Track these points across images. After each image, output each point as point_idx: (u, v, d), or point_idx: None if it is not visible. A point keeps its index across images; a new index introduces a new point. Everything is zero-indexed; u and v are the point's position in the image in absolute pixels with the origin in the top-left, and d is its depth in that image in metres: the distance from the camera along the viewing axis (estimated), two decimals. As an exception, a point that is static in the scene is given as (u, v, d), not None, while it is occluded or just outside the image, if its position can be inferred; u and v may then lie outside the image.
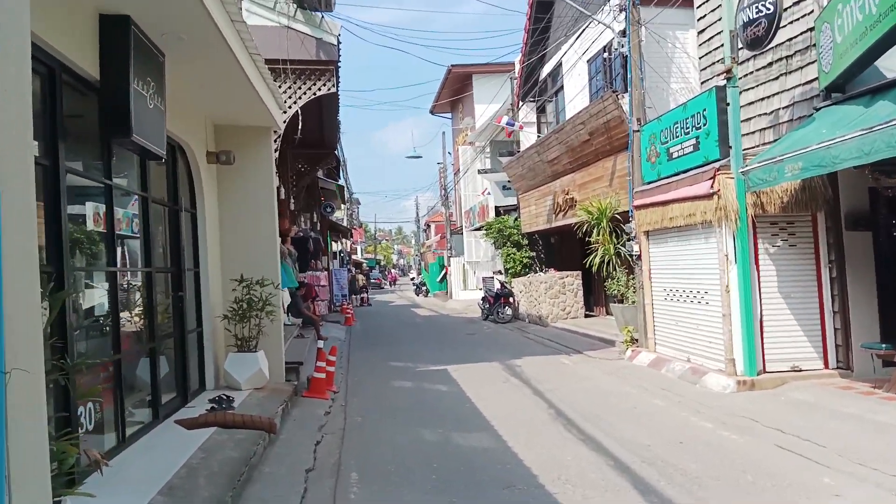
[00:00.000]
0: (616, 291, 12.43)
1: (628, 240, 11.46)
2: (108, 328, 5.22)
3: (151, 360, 6.02)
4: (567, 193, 15.23)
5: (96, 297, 5.12)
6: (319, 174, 19.41)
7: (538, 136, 18.12)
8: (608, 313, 16.88)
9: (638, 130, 10.65)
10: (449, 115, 36.85)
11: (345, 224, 33.87)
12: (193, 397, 7.17)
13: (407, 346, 13.76)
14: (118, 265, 5.81)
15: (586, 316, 16.62)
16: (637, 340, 11.46)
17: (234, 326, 7.65)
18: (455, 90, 32.21)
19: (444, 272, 36.76)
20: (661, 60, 11.95)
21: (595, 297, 17.50)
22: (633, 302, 11.90)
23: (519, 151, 18.90)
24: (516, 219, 19.75)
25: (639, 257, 10.88)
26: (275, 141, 9.22)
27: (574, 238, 18.72)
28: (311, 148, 15.67)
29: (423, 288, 40.76)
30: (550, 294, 16.27)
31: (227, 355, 7.65)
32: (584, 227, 12.81)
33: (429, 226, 62.02)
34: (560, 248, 19.34)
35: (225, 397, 6.88)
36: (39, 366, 2.14)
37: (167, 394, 6.63)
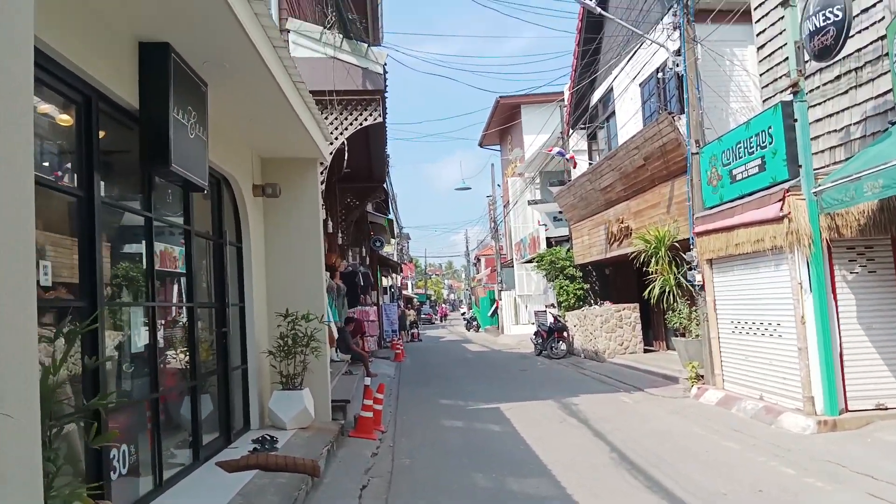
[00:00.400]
0: (677, 324, 11.77)
1: (689, 269, 10.86)
2: (147, 366, 5.03)
3: (192, 399, 5.81)
4: (622, 222, 14.69)
5: (135, 334, 4.94)
6: (368, 208, 19.39)
7: (590, 164, 17.70)
8: (668, 347, 16.12)
9: (697, 153, 10.14)
10: (497, 146, 36.76)
11: (395, 259, 33.85)
12: (237, 437, 6.92)
13: (458, 384, 13.33)
14: (163, 299, 5.67)
15: (645, 350, 15.88)
16: (702, 377, 10.78)
17: (278, 363, 7.43)
18: (503, 121, 32.13)
19: (495, 306, 36.22)
20: (718, 79, 11.45)
21: (654, 330, 16.74)
22: (697, 335, 11.23)
23: (570, 180, 18.48)
24: (568, 250, 19.23)
25: (702, 287, 10.26)
26: (321, 173, 9.10)
27: (630, 268, 18.09)
28: (360, 181, 15.63)
29: (474, 323, 40.24)
30: (607, 328, 15.63)
31: (272, 393, 7.41)
32: (642, 257, 12.24)
33: (479, 259, 61.68)
34: (615, 280, 18.69)
35: (268, 437, 6.61)
36: (32, 410, 1.87)
37: (209, 434, 6.40)
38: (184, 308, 5.92)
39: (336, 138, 9.49)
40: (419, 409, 10.29)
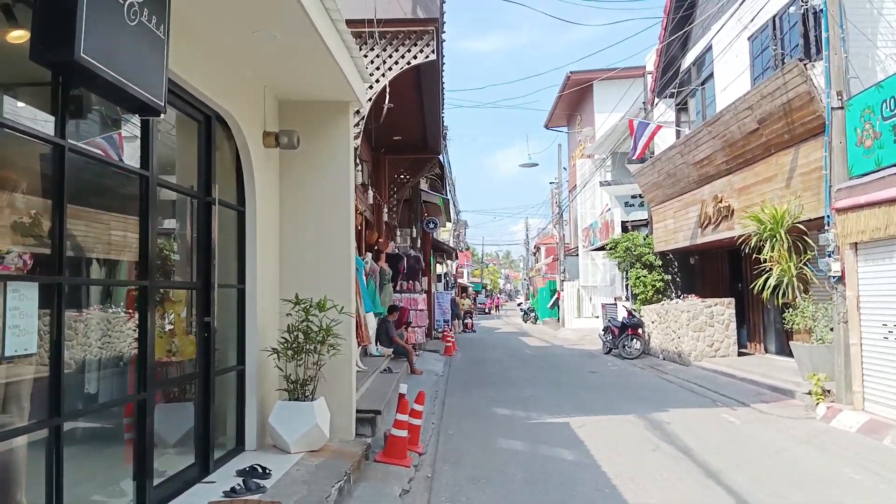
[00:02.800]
0: (798, 325, 9.43)
1: (817, 257, 8.53)
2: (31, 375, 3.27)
3: (140, 417, 4.03)
4: (720, 201, 12.32)
5: (14, 326, 3.16)
6: (422, 185, 17.55)
7: (677, 138, 15.30)
8: (767, 351, 13.70)
9: (840, 107, 7.80)
10: (565, 128, 34.33)
11: (450, 245, 31.99)
12: (222, 463, 5.16)
13: (516, 387, 11.33)
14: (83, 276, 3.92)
15: (739, 354, 13.49)
16: (829, 392, 8.49)
17: (284, 364, 5.63)
18: (573, 100, 29.76)
19: (555, 298, 33.93)
20: (863, 18, 8.99)
21: (749, 330, 14.31)
22: (824, 340, 8.89)
23: (653, 156, 16.14)
24: (647, 236, 16.89)
25: (839, 279, 7.95)
26: (356, 124, 7.22)
27: (721, 258, 15.65)
28: (411, 152, 13.78)
29: (532, 314, 38.04)
30: (694, 326, 13.31)
31: (276, 404, 5.61)
32: (752, 242, 9.93)
33: (538, 248, 59.22)
34: (702, 270, 16.26)
35: (258, 469, 4.82)
36: None
37: (177, 461, 4.67)
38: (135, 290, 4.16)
39: (377, 80, 7.58)
40: (469, 421, 8.36)
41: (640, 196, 21.68)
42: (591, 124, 27.71)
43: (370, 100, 7.38)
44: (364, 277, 9.50)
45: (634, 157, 13.48)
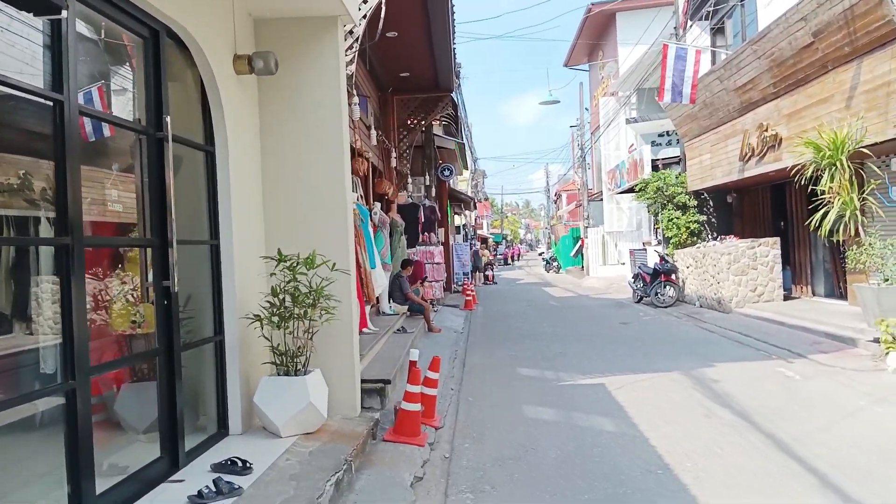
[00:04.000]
0: (863, 264, 8.33)
1: (892, 183, 7.38)
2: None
3: (69, 414, 3.16)
4: (766, 130, 11.09)
5: None
6: (436, 130, 16.41)
7: (712, 64, 13.91)
8: (814, 294, 12.62)
9: (925, 4, 6.52)
10: (586, 66, 32.64)
11: (468, 195, 30.87)
12: (203, 450, 4.34)
13: (542, 342, 10.43)
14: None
15: (785, 298, 12.42)
16: (902, 342, 7.45)
17: (270, 333, 4.74)
18: (594, 34, 28.09)
19: (578, 245, 32.86)
20: None
21: (795, 272, 13.21)
22: (892, 281, 7.82)
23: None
24: (679, 174, 15.66)
25: (919, 213, 6.82)
26: (350, 47, 6.14)
27: (761, 195, 14.44)
28: (421, 90, 12.63)
29: (555, 263, 37.05)
30: (735, 269, 12.23)
31: (262, 380, 4.74)
32: (808, 172, 8.76)
33: (559, 195, 57.83)
34: (741, 209, 15.07)
35: (237, 464, 3.96)
36: None
37: (144, 453, 3.85)
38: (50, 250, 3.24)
39: (370, -5, 6.46)
40: (492, 385, 7.48)
41: (670, 133, 20.34)
42: (614, 59, 26.13)
43: (365, 17, 6.28)
44: (371, 229, 8.54)
45: (684, 102, 12.14)
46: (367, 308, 8.24)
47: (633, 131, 21.58)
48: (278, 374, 4.73)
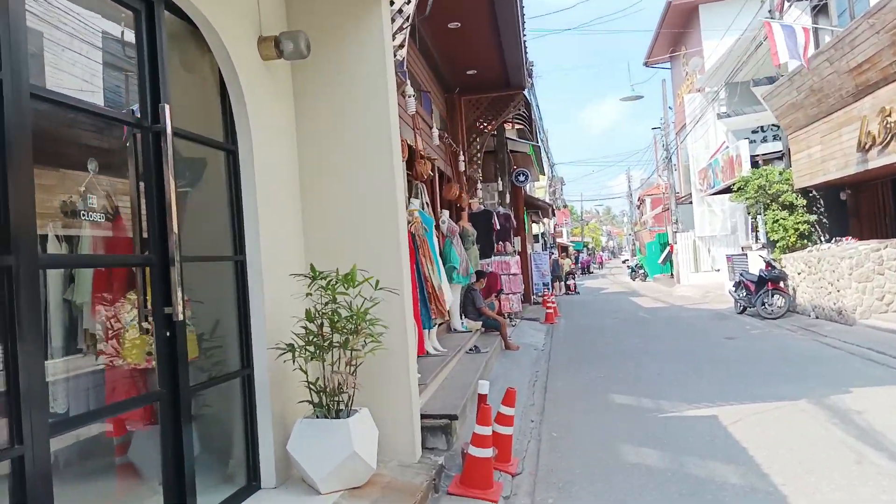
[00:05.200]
0: None
1: None
2: None
3: (15, 486, 2.39)
4: (890, 114, 9.51)
5: None
6: (508, 133, 15.46)
7: (816, 47, 12.31)
8: (958, 303, 10.76)
9: None
10: (668, 64, 30.86)
11: (546, 202, 29.65)
12: (218, 516, 3.53)
13: (636, 362, 9.21)
14: None
15: (921, 308, 10.66)
16: None
17: (306, 365, 3.91)
18: (676, 30, 26.42)
19: (667, 251, 30.95)
20: None
21: (931, 277, 11.36)
22: None
23: (782, 77, 13.21)
24: (783, 170, 14.01)
25: None
26: (400, 29, 5.30)
27: (882, 190, 12.65)
28: (491, 90, 11.71)
29: (641, 271, 35.12)
30: (858, 275, 10.59)
31: (297, 423, 3.90)
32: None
33: (643, 200, 55.43)
34: (857, 208, 13.28)
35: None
36: None
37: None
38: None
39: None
40: (580, 415, 6.40)
41: (765, 129, 18.56)
42: (699, 54, 24.40)
43: (417, -7, 5.42)
44: (435, 239, 7.67)
45: (802, 65, 10.71)
46: (434, 327, 7.35)
47: (723, 128, 19.86)
48: (316, 416, 3.89)
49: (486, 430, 4.32)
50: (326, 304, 3.93)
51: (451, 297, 7.95)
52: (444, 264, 8.95)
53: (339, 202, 4.61)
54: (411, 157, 7.28)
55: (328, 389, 3.86)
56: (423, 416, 4.99)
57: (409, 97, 6.11)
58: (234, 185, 4.04)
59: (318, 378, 3.93)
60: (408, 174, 7.60)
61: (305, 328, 3.92)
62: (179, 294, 3.25)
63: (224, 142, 4.02)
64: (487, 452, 4.31)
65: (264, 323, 4.00)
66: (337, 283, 3.92)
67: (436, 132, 8.20)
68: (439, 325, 7.59)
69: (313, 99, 4.66)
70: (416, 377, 4.66)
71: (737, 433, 5.45)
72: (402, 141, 5.89)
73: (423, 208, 8.16)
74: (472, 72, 10.59)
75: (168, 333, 3.29)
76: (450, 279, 9.16)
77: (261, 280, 4.01)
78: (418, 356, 5.85)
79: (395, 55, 5.11)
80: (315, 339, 3.87)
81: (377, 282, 3.97)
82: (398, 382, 4.44)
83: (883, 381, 7.01)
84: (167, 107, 3.29)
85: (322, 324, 3.93)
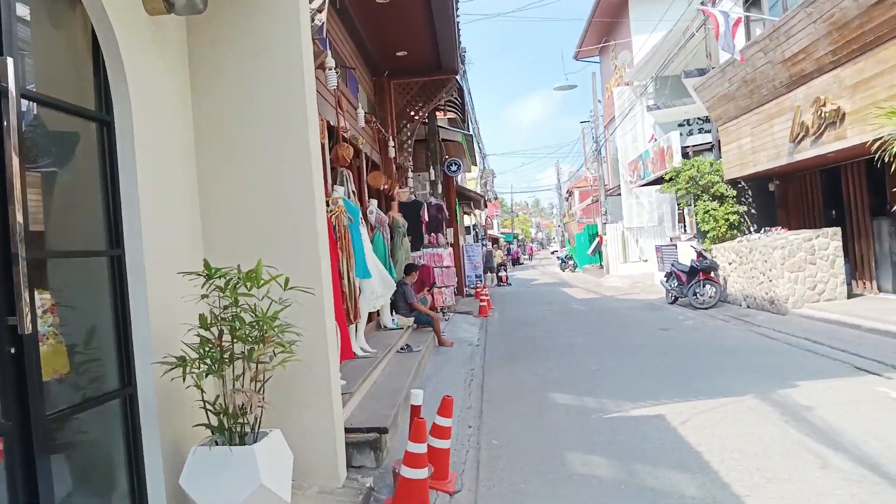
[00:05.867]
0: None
1: None
2: None
3: None
4: (823, 105, 9.49)
5: None
6: (440, 122, 14.91)
7: (747, 40, 12.32)
8: (881, 290, 11.00)
9: None
10: (597, 58, 31.05)
11: (478, 193, 29.33)
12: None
13: (573, 356, 8.87)
14: None
15: (849, 296, 10.79)
16: None
17: (199, 381, 3.22)
18: (605, 25, 26.54)
19: (596, 243, 31.27)
20: None
21: (855, 265, 11.58)
22: None
23: (713, 69, 13.18)
24: (714, 161, 14.05)
25: None
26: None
27: (810, 181, 12.84)
28: (422, 73, 11.12)
29: (570, 262, 35.46)
30: (791, 265, 10.62)
31: (190, 452, 3.22)
32: (894, 148, 7.15)
33: (571, 193, 56.19)
34: (785, 198, 13.43)
35: None
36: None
37: None
38: None
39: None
40: (520, 419, 5.93)
41: (694, 121, 18.76)
42: (628, 48, 24.54)
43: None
44: (363, 230, 7.04)
45: (735, 55, 10.57)
46: (356, 328, 6.72)
47: (651, 121, 20.00)
48: (215, 443, 3.22)
49: (420, 448, 3.76)
50: (226, 307, 3.27)
51: (383, 291, 7.33)
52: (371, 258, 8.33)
53: (245, 187, 3.93)
54: (332, 140, 6.63)
55: (230, 410, 3.20)
56: (348, 430, 4.39)
57: (330, 69, 5.44)
58: (110, 164, 3.31)
59: (218, 397, 3.26)
60: (330, 160, 6.93)
61: (201, 337, 3.24)
62: (27, 300, 2.52)
63: (96, 110, 3.28)
64: (422, 473, 3.75)
65: (149, 331, 3.30)
66: (238, 282, 3.25)
67: (361, 113, 7.53)
68: (358, 325, 6.96)
69: (213, 63, 3.95)
70: (339, 388, 4.04)
71: (687, 435, 5.09)
72: (321, 120, 5.23)
73: (348, 197, 7.52)
74: (402, 53, 9.96)
75: (13, 350, 2.55)
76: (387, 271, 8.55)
77: (143, 279, 3.30)
78: (344, 361, 5.23)
79: (312, 20, 4.46)
80: (212, 351, 3.20)
81: (286, 280, 3.32)
82: (317, 396, 3.81)
83: (825, 374, 6.86)
84: (10, 61, 2.54)
85: (221, 331, 3.26)
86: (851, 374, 6.75)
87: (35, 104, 2.94)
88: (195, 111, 3.96)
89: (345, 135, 6.74)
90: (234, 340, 3.25)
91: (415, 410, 3.99)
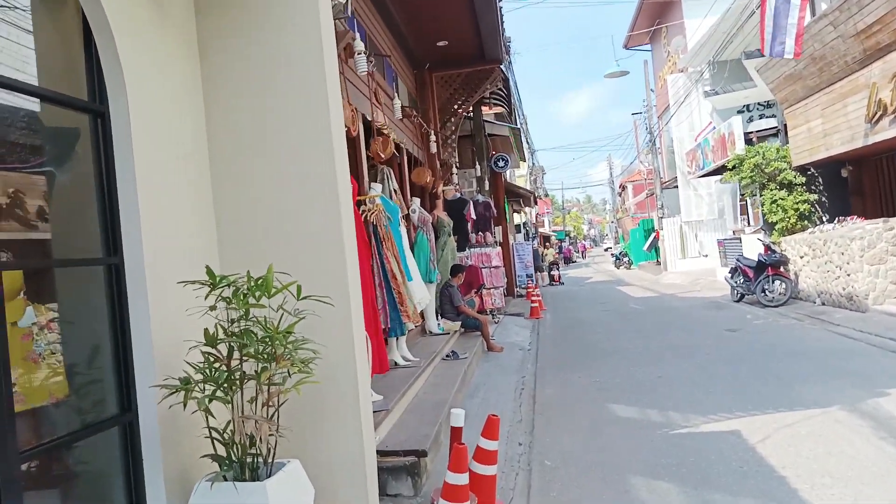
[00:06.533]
0: None
1: None
2: None
3: None
4: (906, 79, 8.59)
5: None
6: (486, 116, 14.40)
7: (812, 14, 11.38)
8: (978, 284, 9.91)
9: None
10: (648, 46, 29.95)
11: (527, 190, 28.65)
12: None
13: (633, 362, 8.23)
14: None
15: (939, 291, 9.78)
16: None
17: (204, 404, 2.81)
18: (656, 10, 25.52)
19: (652, 238, 30.14)
20: None
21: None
22: None
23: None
24: (781, 147, 13.09)
25: None
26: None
27: (887, 165, 11.81)
28: (465, 64, 10.65)
29: (625, 259, 34.39)
30: (870, 257, 9.69)
31: (194, 490, 2.82)
32: None
33: (624, 187, 54.81)
34: (860, 185, 12.41)
35: None
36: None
37: None
38: None
39: None
40: (576, 435, 5.37)
41: (754, 106, 17.71)
42: (681, 33, 23.48)
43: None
44: (403, 230, 6.61)
45: (787, 55, 9.64)
46: (405, 334, 6.28)
47: (708, 108, 18.98)
48: (223, 478, 2.81)
49: (460, 479, 3.28)
50: (235, 321, 2.86)
51: (426, 295, 6.89)
52: (415, 258, 7.91)
53: (265, 185, 3.52)
54: (369, 135, 6.21)
55: (238, 440, 2.79)
56: (382, 454, 3.94)
57: (359, 54, 5.01)
58: (105, 161, 2.94)
59: (227, 423, 2.85)
60: (368, 156, 6.52)
61: (207, 355, 2.84)
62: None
63: (89, 100, 2.92)
64: (464, 507, 3.26)
65: (151, 350, 2.91)
66: (248, 291, 2.84)
67: (398, 105, 7.07)
68: (410, 329, 6.52)
69: (224, 46, 3.55)
70: (370, 408, 3.59)
71: (769, 456, 4.46)
72: (353, 111, 4.80)
73: (390, 195, 7.10)
74: (442, 43, 9.50)
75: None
76: (424, 275, 8.12)
77: (144, 290, 2.92)
78: (382, 374, 4.79)
79: (335, -2, 4.03)
80: (218, 372, 2.79)
81: (298, 288, 2.88)
82: (343, 419, 3.36)
83: (921, 380, 6.08)
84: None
85: (231, 349, 2.85)
86: (956, 382, 5.94)
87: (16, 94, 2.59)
88: (207, 100, 3.58)
89: (382, 128, 6.31)
90: (245, 359, 2.84)
91: (455, 434, 3.52)
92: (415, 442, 4.16)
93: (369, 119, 6.23)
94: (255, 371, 2.85)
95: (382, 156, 5.91)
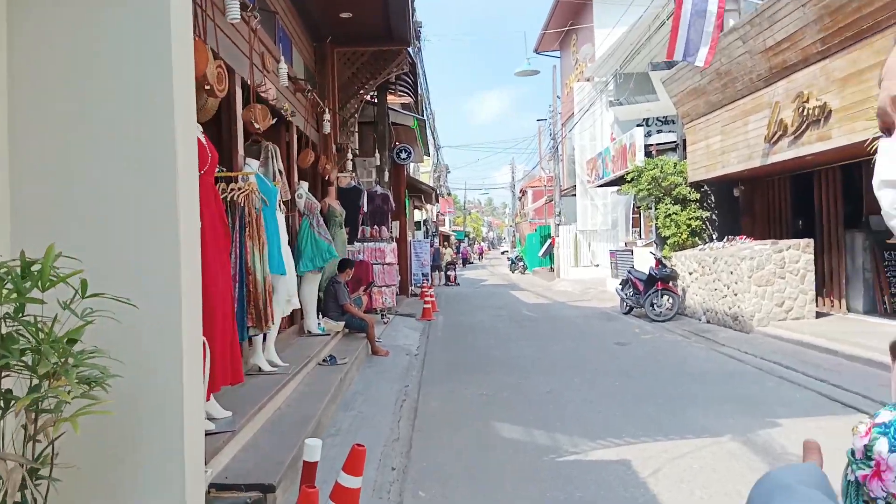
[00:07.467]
0: None
1: None
2: None
3: None
4: (807, 100, 8.69)
5: None
6: (391, 104, 13.70)
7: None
8: (850, 309, 10.36)
9: None
10: (557, 52, 30.28)
11: (430, 186, 28.17)
12: None
13: (523, 374, 7.83)
14: None
15: (817, 315, 10.08)
16: None
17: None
18: (567, 16, 25.73)
19: (548, 244, 30.53)
20: None
21: (823, 282, 10.91)
22: None
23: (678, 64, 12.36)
24: (678, 162, 13.26)
25: None
26: None
27: (778, 186, 12.17)
28: (370, 42, 9.91)
29: (520, 263, 34.74)
30: (759, 278, 9.83)
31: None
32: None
33: (524, 192, 55.58)
34: (751, 205, 12.74)
35: None
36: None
37: None
38: None
39: None
40: (457, 460, 4.81)
41: (653, 121, 18.10)
42: (590, 41, 23.79)
43: None
44: (280, 215, 5.82)
45: (697, 63, 9.54)
46: (266, 336, 5.50)
47: (610, 119, 19.25)
48: (-42, 542, 1.99)
49: (307, 531, 2.59)
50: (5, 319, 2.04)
51: (287, 292, 6.11)
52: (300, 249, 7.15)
53: (77, 141, 2.69)
54: (243, 99, 5.38)
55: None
56: (219, 488, 3.20)
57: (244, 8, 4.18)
58: None
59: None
60: (244, 126, 5.67)
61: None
62: None
63: None
64: (309, 566, 2.59)
65: None
66: (14, 279, 2.03)
67: (284, 70, 6.23)
68: (255, 335, 5.71)
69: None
70: (200, 438, 2.83)
71: (661, 493, 4.08)
72: (219, 66, 4.00)
73: (274, 176, 6.28)
74: (346, 15, 8.71)
75: None
76: (308, 266, 7.36)
77: None
78: (234, 385, 4.01)
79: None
80: (-40, 392, 1.97)
81: (83, 282, 2.11)
82: (156, 454, 2.59)
83: (810, 409, 6.00)
84: None
85: (-12, 358, 2.03)
86: (837, 412, 5.88)
87: None
88: (10, 23, 2.69)
89: (263, 95, 5.49)
90: (5, 374, 2.03)
91: (307, 471, 2.83)
92: (263, 472, 3.43)
93: (248, 83, 5.39)
94: (31, 392, 2.06)
95: (257, 125, 5.09)
